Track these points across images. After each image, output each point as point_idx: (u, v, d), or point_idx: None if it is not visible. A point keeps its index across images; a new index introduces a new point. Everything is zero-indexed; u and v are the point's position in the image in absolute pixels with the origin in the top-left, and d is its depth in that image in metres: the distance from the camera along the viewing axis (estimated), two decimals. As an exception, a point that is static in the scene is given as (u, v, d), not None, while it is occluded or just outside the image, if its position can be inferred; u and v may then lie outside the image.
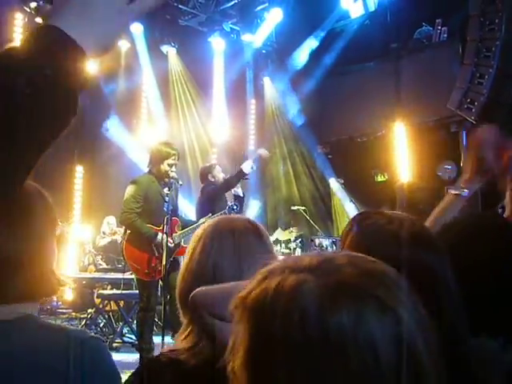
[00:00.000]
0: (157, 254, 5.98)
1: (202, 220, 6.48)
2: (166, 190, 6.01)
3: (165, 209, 5.84)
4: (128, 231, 6.23)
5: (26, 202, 1.37)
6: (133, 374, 1.52)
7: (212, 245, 1.57)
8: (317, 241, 8.73)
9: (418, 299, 0.82)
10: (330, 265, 0.81)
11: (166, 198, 5.91)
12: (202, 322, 1.45)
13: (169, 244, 5.87)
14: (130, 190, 6.13)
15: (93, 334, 1.39)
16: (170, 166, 6.08)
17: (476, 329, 1.27)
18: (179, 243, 6.28)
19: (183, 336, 1.56)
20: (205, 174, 7.45)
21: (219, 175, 7.36)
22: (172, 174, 6.10)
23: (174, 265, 6.11)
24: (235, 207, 6.78)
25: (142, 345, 6.16)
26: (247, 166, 6.97)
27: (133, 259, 6.14)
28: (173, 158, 6.10)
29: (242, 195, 7.38)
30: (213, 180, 7.32)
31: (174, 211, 6.25)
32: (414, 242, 1.25)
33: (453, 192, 2.14)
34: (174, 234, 6.17)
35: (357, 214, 1.45)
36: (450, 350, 1.16)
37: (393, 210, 1.45)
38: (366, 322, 0.74)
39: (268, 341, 0.76)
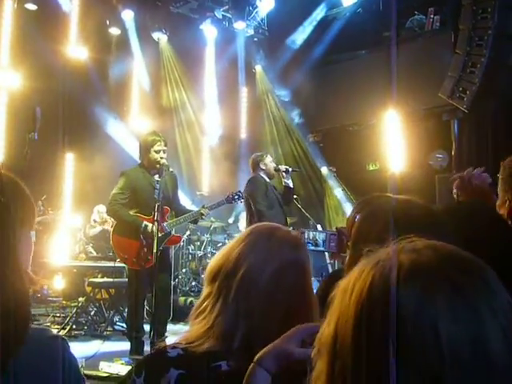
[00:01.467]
0: (144, 243, 5.97)
1: (197, 210, 6.48)
2: (156, 177, 5.99)
3: (155, 196, 5.83)
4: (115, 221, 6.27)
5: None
6: (133, 369, 1.51)
7: (248, 238, 1.61)
8: (310, 234, 8.67)
9: (508, 299, 0.79)
10: (408, 248, 0.82)
11: (157, 186, 5.89)
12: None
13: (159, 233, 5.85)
14: (118, 182, 6.23)
15: (54, 333, 1.35)
16: (158, 152, 6.11)
17: None
18: (170, 232, 6.27)
19: (198, 311, 1.58)
20: (256, 162, 7.39)
21: (271, 164, 7.34)
22: (162, 161, 6.09)
23: (163, 260, 6.06)
24: (236, 197, 6.74)
25: (133, 333, 6.16)
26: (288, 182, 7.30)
27: (120, 248, 6.15)
28: (158, 144, 6.13)
29: (291, 186, 7.42)
30: (264, 168, 7.30)
31: (168, 200, 6.23)
32: (419, 223, 1.25)
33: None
34: (164, 223, 6.14)
35: (361, 200, 1.45)
36: None
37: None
38: (433, 303, 0.74)
39: (346, 316, 0.79)
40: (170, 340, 6.46)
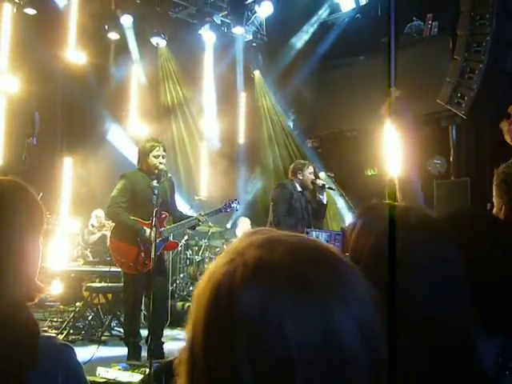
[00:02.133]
0: (142, 248, 5.98)
1: (195, 216, 6.48)
2: (154, 183, 5.99)
3: (153, 201, 5.83)
4: (113, 224, 6.26)
5: (3, 202, 1.33)
6: (152, 376, 1.51)
7: None
8: (313, 234, 8.69)
9: (368, 291, 0.77)
10: (261, 242, 0.79)
11: (155, 191, 5.90)
12: None
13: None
14: (118, 184, 6.21)
15: (62, 341, 1.36)
16: (157, 157, 6.12)
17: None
18: (167, 238, 6.28)
19: None
20: (295, 170, 7.43)
21: (309, 176, 7.34)
22: (161, 167, 6.10)
23: (159, 266, 6.04)
24: (233, 205, 6.76)
25: (130, 338, 6.15)
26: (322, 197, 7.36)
27: (118, 252, 6.15)
28: (157, 149, 6.15)
29: (324, 202, 7.43)
30: (300, 178, 7.32)
31: (165, 205, 6.24)
32: (419, 232, 1.23)
33: None
34: (162, 229, 6.14)
35: (362, 206, 1.44)
36: (454, 342, 1.15)
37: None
38: (279, 302, 0.71)
39: (198, 322, 0.77)
40: (169, 345, 6.47)
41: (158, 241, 5.79)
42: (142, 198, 6.12)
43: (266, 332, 0.70)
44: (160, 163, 6.12)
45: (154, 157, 6.12)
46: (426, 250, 1.22)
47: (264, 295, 0.71)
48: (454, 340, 1.14)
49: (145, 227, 5.99)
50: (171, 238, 6.43)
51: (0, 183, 1.37)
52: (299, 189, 7.32)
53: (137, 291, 6.14)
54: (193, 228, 6.93)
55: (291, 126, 12.03)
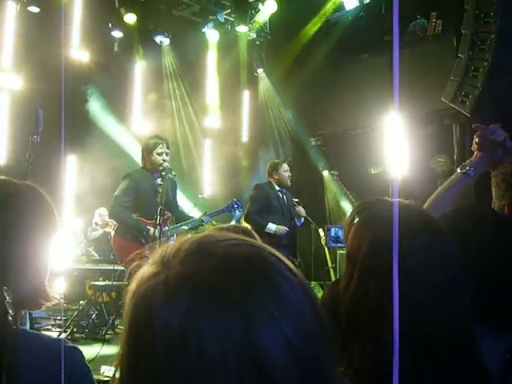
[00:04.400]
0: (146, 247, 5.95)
1: (198, 217, 6.49)
2: (158, 181, 5.99)
3: (157, 200, 5.83)
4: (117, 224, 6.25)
5: (18, 205, 1.32)
6: None
7: None
8: (332, 231, 8.71)
9: (309, 304, 0.74)
10: (188, 253, 0.75)
11: (159, 189, 5.90)
12: None
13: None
14: (121, 184, 6.18)
15: (70, 344, 1.35)
16: (160, 154, 6.11)
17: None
18: (171, 238, 6.27)
19: None
20: (271, 170, 7.69)
21: (284, 174, 7.57)
22: (165, 164, 6.09)
23: None
24: (236, 206, 6.80)
25: None
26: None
27: (121, 251, 6.13)
28: (160, 146, 6.14)
29: (303, 215, 7.86)
30: (276, 177, 7.59)
31: (168, 205, 6.22)
32: (418, 230, 1.22)
33: (459, 171, 2.17)
34: (165, 228, 6.13)
35: (359, 204, 1.43)
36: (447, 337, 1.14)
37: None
38: (196, 320, 0.68)
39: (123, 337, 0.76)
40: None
41: (162, 240, 5.81)
42: (146, 197, 6.09)
43: (186, 351, 0.67)
44: (164, 160, 6.10)
45: (158, 154, 6.10)
46: (425, 249, 1.21)
47: (184, 315, 0.69)
48: (454, 340, 1.14)
49: (148, 226, 5.98)
50: (175, 238, 6.42)
51: (15, 186, 1.36)
52: (277, 188, 7.58)
53: None
54: (195, 228, 6.94)
55: (295, 125, 12.01)
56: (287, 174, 7.58)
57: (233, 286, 0.70)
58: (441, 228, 1.26)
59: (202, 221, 6.38)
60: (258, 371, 0.66)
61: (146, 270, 0.78)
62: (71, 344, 1.33)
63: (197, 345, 0.67)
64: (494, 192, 2.57)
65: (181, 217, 6.56)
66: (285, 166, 7.63)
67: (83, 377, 1.31)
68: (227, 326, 0.67)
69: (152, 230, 5.91)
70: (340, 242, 8.41)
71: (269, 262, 0.75)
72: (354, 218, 1.35)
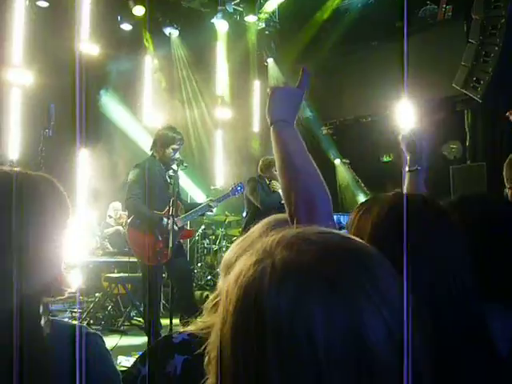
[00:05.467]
0: (160, 238, 6.00)
1: (206, 202, 6.52)
2: (171, 172, 6.03)
3: (170, 191, 5.87)
4: (132, 216, 6.27)
5: (34, 197, 1.34)
6: (138, 358, 1.51)
7: (264, 233, 1.58)
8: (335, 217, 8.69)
9: (399, 288, 0.75)
10: (289, 242, 0.78)
11: (171, 181, 5.93)
12: None
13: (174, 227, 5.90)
14: (132, 174, 6.16)
15: (92, 330, 1.37)
16: (175, 150, 6.13)
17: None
18: (183, 226, 6.30)
19: (208, 309, 1.57)
20: (263, 167, 7.63)
21: (274, 173, 7.36)
22: (176, 156, 6.11)
23: (178, 249, 6.11)
24: (239, 188, 6.81)
25: (150, 327, 6.19)
26: None
27: (136, 243, 6.16)
28: (178, 143, 6.17)
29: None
30: (275, 172, 7.48)
31: (178, 195, 6.23)
32: (423, 221, 1.22)
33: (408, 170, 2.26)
34: (176, 218, 6.15)
35: (365, 200, 1.41)
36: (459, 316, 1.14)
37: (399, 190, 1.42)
38: (306, 305, 0.70)
39: (226, 324, 0.77)
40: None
41: (175, 229, 5.85)
42: (157, 189, 6.11)
43: (295, 335, 0.69)
44: (177, 156, 6.14)
45: (173, 149, 6.13)
46: (431, 233, 1.21)
47: (292, 298, 0.70)
48: (460, 318, 1.14)
49: (163, 217, 6.02)
50: (188, 227, 6.46)
51: (30, 176, 1.38)
52: (267, 182, 7.51)
53: (155, 281, 6.17)
54: (203, 215, 6.96)
55: (305, 113, 11.98)
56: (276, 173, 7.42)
57: (338, 273, 0.72)
58: (453, 220, 1.25)
59: (210, 206, 6.42)
60: (363, 356, 0.68)
61: (247, 259, 0.79)
62: (92, 330, 1.34)
63: (305, 330, 0.68)
64: (506, 175, 2.57)
65: (189, 205, 6.58)
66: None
67: (105, 362, 1.33)
68: (334, 312, 0.69)
69: (164, 220, 5.95)
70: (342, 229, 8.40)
71: (367, 253, 0.78)
72: (357, 214, 1.34)
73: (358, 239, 0.82)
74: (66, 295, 1.37)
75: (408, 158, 2.26)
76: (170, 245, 5.66)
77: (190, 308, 5.99)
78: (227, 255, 1.63)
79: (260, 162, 7.75)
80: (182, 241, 6.49)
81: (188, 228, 6.50)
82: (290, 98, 1.57)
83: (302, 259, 0.74)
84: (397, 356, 0.69)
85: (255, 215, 6.88)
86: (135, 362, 1.50)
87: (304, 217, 1.40)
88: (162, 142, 6.19)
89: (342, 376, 0.68)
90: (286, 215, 1.67)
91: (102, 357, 1.32)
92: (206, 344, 0.85)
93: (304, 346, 0.68)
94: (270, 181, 7.38)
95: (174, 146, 6.12)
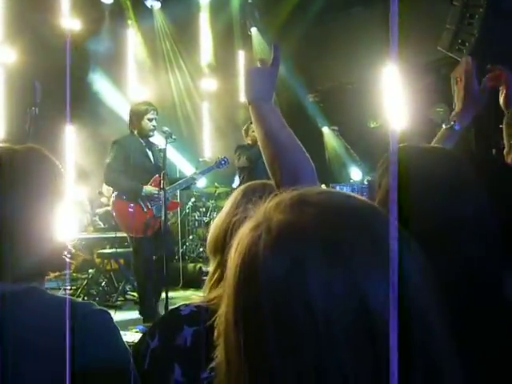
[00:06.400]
0: (145, 210, 6.10)
1: (190, 175, 6.57)
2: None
3: (151, 164, 6.01)
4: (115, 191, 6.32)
5: (27, 171, 1.33)
6: (146, 333, 1.51)
7: (241, 202, 1.61)
8: (337, 188, 8.72)
9: (415, 251, 0.72)
10: (288, 204, 0.75)
11: (149, 153, 6.15)
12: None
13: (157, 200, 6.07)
14: (111, 151, 6.25)
15: (99, 306, 1.36)
16: (151, 120, 6.21)
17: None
18: (168, 198, 6.32)
19: (211, 283, 1.57)
20: (244, 132, 7.83)
21: (253, 133, 7.44)
22: (154, 129, 6.22)
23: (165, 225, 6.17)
24: (223, 162, 6.84)
25: (145, 301, 6.23)
26: None
27: (122, 217, 6.20)
28: (151, 112, 6.24)
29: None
30: (249, 139, 7.66)
31: (159, 168, 6.26)
32: (451, 189, 1.19)
33: (445, 126, 2.15)
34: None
35: (392, 152, 1.37)
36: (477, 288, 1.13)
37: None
38: (302, 270, 0.67)
39: (228, 294, 0.76)
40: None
41: (157, 203, 6.02)
42: (137, 163, 6.16)
43: (290, 299, 0.67)
44: (153, 126, 6.22)
45: (149, 120, 6.21)
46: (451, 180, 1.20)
47: (287, 261, 0.68)
48: (479, 276, 1.14)
49: (145, 187, 6.10)
50: (178, 200, 6.51)
51: (18, 150, 1.37)
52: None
53: (146, 255, 6.20)
54: (187, 188, 7.01)
55: (291, 82, 11.92)
56: (255, 134, 7.41)
57: (336, 235, 0.69)
58: (473, 180, 1.22)
59: (194, 179, 6.52)
60: (364, 321, 0.66)
61: (248, 224, 0.77)
62: (99, 307, 1.34)
63: (302, 297, 0.66)
64: (504, 130, 2.53)
65: (172, 179, 6.65)
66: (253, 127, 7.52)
67: (115, 336, 1.34)
68: (332, 278, 0.66)
69: (147, 188, 6.07)
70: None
71: (369, 212, 0.75)
72: (386, 168, 1.29)
73: (360, 197, 0.78)
74: (63, 271, 1.37)
75: (456, 109, 2.16)
76: (163, 218, 5.70)
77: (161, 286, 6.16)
78: (210, 235, 1.64)
79: (242, 130, 7.89)
80: (170, 215, 6.53)
81: (171, 200, 6.54)
82: (265, 76, 1.60)
83: (298, 221, 0.71)
84: (400, 320, 0.65)
85: (248, 180, 6.88)
86: (143, 336, 1.50)
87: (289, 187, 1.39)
88: (136, 115, 6.29)
89: (343, 346, 0.66)
90: (258, 182, 1.69)
91: (110, 333, 1.33)
92: (215, 316, 0.83)
93: (301, 314, 0.66)
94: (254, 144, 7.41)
95: (149, 116, 6.20)
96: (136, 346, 1.48)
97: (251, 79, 1.61)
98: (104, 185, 9.54)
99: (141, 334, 5.17)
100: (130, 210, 6.09)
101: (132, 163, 6.13)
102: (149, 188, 6.11)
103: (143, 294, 6.33)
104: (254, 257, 0.71)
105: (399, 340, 0.61)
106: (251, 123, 7.64)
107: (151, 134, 6.25)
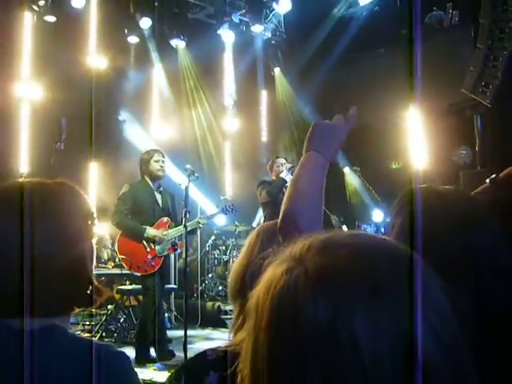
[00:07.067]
0: (148, 249, 6.21)
1: (196, 220, 6.62)
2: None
3: (160, 206, 6.34)
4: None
5: (59, 204, 1.32)
6: (172, 375, 1.49)
7: (256, 242, 1.63)
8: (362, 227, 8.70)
9: (447, 291, 0.71)
10: (320, 247, 0.73)
11: (158, 198, 6.36)
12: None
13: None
14: (120, 193, 6.45)
15: (118, 349, 1.34)
16: (157, 161, 6.37)
17: None
18: (171, 240, 6.42)
19: (236, 327, 1.56)
20: (269, 166, 7.72)
21: (276, 169, 7.49)
22: (162, 171, 6.38)
23: (163, 262, 6.39)
24: (230, 209, 7.01)
25: (139, 340, 6.29)
26: (284, 174, 7.15)
27: (125, 253, 6.29)
28: (156, 155, 6.42)
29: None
30: (273, 174, 7.55)
31: (167, 212, 6.47)
32: (464, 224, 1.20)
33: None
34: (165, 232, 6.34)
35: (407, 192, 1.39)
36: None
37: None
38: (348, 313, 0.65)
39: (259, 337, 0.73)
40: (201, 345, 6.49)
41: (162, 243, 6.23)
42: (144, 205, 6.34)
43: (337, 344, 0.65)
44: (161, 167, 6.37)
45: (155, 161, 6.36)
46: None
47: (331, 305, 0.66)
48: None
49: (148, 228, 6.22)
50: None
51: (49, 184, 1.37)
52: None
53: (147, 292, 6.30)
54: (193, 232, 7.06)
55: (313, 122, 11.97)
56: (280, 169, 7.42)
57: (378, 276, 0.68)
58: (485, 218, 1.24)
59: (199, 222, 6.56)
60: (411, 362, 0.64)
61: (276, 268, 0.75)
62: (118, 349, 1.32)
63: (349, 338, 0.64)
64: None
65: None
66: (278, 161, 7.57)
67: (132, 381, 1.31)
68: (378, 319, 0.65)
69: (149, 231, 6.18)
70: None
71: (404, 254, 0.74)
72: (401, 208, 1.32)
73: (388, 238, 0.78)
74: (97, 304, 1.36)
75: None
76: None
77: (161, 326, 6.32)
78: (230, 280, 1.64)
79: (267, 166, 7.89)
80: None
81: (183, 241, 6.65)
82: (331, 132, 1.60)
83: (336, 263, 0.69)
84: (445, 360, 0.66)
85: (271, 215, 6.84)
86: (169, 378, 1.48)
87: (286, 229, 1.39)
88: (143, 161, 6.47)
89: None
90: (272, 222, 1.70)
91: (128, 378, 1.30)
92: (238, 361, 0.81)
93: (348, 355, 0.64)
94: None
95: (155, 159, 6.37)
96: None
97: (315, 131, 1.60)
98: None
99: (158, 372, 5.13)
100: (132, 248, 6.20)
101: (139, 206, 6.29)
102: (152, 231, 6.22)
103: (140, 330, 6.34)
104: (292, 301, 0.69)
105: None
106: (277, 158, 7.65)
107: (160, 174, 6.37)
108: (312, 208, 1.45)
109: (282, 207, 1.42)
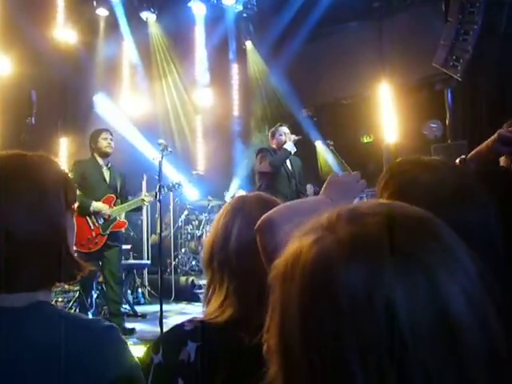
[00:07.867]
0: (92, 227, 6.27)
1: (140, 197, 6.63)
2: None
3: (107, 183, 6.37)
4: None
5: (37, 175, 1.31)
6: (150, 347, 1.50)
7: (230, 215, 1.63)
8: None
9: (474, 257, 0.72)
10: (350, 216, 0.74)
11: (105, 174, 6.44)
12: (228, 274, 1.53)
13: (105, 217, 6.32)
14: (70, 170, 6.49)
15: (107, 322, 1.32)
16: (105, 139, 6.50)
17: None
18: (115, 218, 6.45)
19: (208, 298, 1.59)
20: (270, 135, 7.40)
21: (279, 137, 7.13)
22: (110, 148, 6.49)
23: (113, 238, 6.41)
24: (176, 185, 6.99)
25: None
26: (289, 146, 6.95)
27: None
28: (104, 133, 6.57)
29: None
30: (274, 142, 7.20)
31: (114, 190, 6.53)
32: (454, 197, 1.19)
33: (458, 161, 2.17)
34: (109, 210, 6.40)
35: (394, 164, 1.38)
36: None
37: (379, 171, 1.39)
38: (382, 281, 0.66)
39: (290, 308, 0.72)
40: (175, 319, 6.51)
41: (105, 221, 6.32)
42: (91, 181, 6.40)
43: (374, 313, 0.65)
44: (109, 143, 6.49)
45: (103, 139, 6.48)
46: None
47: (366, 274, 0.66)
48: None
49: (95, 202, 6.28)
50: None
51: (30, 156, 1.35)
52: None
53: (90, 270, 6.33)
54: (139, 209, 7.06)
55: (285, 96, 11.96)
56: (282, 138, 7.09)
57: (411, 243, 0.69)
58: (477, 194, 1.22)
59: (143, 200, 6.60)
60: (447, 325, 0.65)
61: (303, 239, 0.75)
62: (108, 323, 1.32)
63: (385, 304, 0.65)
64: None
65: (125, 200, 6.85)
66: (281, 130, 7.22)
67: (125, 351, 1.31)
68: (413, 285, 0.66)
69: (95, 205, 6.26)
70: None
71: (433, 221, 0.75)
72: (387, 180, 1.29)
73: (415, 207, 0.78)
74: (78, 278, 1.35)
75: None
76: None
77: (113, 302, 6.47)
78: (205, 247, 1.65)
79: (268, 132, 7.59)
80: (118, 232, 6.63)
81: (121, 219, 6.64)
82: (346, 187, 1.57)
83: (369, 232, 0.70)
84: (478, 328, 0.67)
85: (267, 187, 6.65)
86: (147, 351, 1.50)
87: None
88: (92, 139, 6.56)
89: (427, 351, 0.64)
90: (250, 194, 1.72)
91: (120, 349, 1.30)
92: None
93: (386, 323, 0.65)
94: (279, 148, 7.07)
95: (103, 136, 6.49)
96: (141, 359, 1.46)
97: (332, 182, 1.57)
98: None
99: (135, 346, 5.14)
100: (77, 223, 6.16)
101: (86, 181, 6.35)
102: (98, 204, 6.28)
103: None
104: (326, 270, 0.69)
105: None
106: (281, 125, 7.38)
107: (108, 150, 6.47)
108: (295, 228, 1.45)
109: (272, 214, 1.39)
